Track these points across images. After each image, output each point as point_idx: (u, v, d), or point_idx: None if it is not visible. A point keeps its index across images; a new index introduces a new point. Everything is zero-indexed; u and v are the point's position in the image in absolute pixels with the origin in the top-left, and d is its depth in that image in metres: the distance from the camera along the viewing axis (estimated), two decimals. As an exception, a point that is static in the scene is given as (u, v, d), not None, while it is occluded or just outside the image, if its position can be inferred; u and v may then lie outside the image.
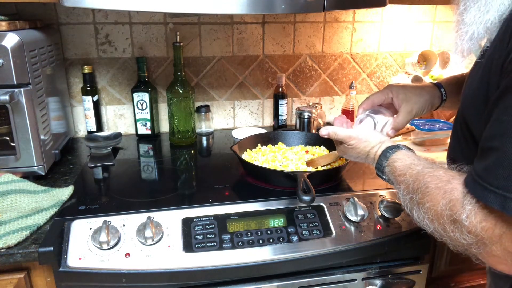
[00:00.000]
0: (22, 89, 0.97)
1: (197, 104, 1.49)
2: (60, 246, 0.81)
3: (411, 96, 0.89)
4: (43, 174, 1.06)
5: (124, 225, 0.85)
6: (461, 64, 1.53)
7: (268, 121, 1.62)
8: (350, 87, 1.54)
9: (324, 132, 0.89)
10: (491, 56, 0.56)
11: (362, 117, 0.93)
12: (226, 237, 0.86)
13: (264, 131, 1.45)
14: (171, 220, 0.88)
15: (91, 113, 1.37)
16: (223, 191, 1.01)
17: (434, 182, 0.60)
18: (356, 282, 0.94)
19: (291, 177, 0.97)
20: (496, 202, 0.50)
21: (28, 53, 0.99)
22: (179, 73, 1.31)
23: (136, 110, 1.38)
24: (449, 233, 0.57)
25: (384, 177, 0.77)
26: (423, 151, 1.26)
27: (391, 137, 0.89)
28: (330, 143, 1.20)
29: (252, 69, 1.53)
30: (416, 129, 1.24)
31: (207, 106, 1.47)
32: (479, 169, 0.53)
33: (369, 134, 0.85)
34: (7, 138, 1.03)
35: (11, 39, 0.94)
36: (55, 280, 0.81)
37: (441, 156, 1.19)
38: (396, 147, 0.76)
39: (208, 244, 0.84)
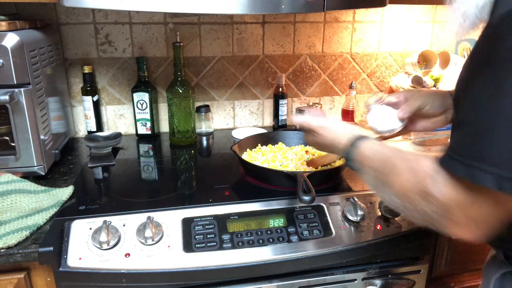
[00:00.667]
0: (22, 89, 0.97)
1: (197, 104, 1.49)
2: (60, 246, 0.81)
3: (420, 92, 0.92)
4: (43, 174, 1.06)
5: (124, 225, 0.85)
6: (461, 65, 1.53)
7: (268, 121, 1.62)
8: (350, 87, 1.54)
9: (297, 120, 0.91)
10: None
11: (371, 107, 0.94)
12: (226, 237, 0.86)
13: (264, 131, 1.45)
14: (171, 220, 0.88)
15: (91, 113, 1.37)
16: (223, 191, 1.01)
17: (403, 162, 0.63)
18: (356, 282, 0.94)
19: (291, 177, 0.97)
20: (462, 171, 0.52)
21: (28, 53, 0.99)
22: (179, 73, 1.31)
23: (136, 110, 1.38)
24: (417, 207, 0.59)
25: (353, 165, 0.78)
26: (423, 151, 1.26)
27: (399, 128, 0.91)
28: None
29: (252, 69, 1.53)
30: (416, 129, 1.24)
31: (207, 106, 1.47)
32: (451, 143, 0.56)
33: (339, 125, 0.86)
34: (7, 138, 1.03)
35: (11, 39, 0.94)
36: (55, 280, 0.81)
37: (441, 156, 1.19)
38: (365, 137, 0.78)
39: (208, 244, 0.85)
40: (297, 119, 0.91)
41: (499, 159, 0.49)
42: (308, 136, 0.91)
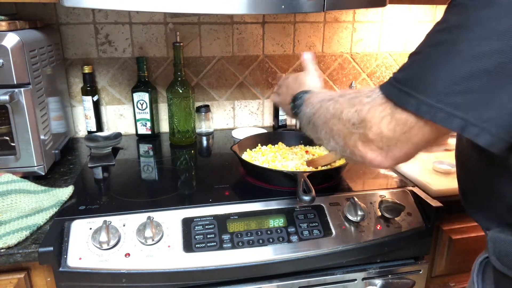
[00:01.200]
0: (22, 89, 0.97)
1: (197, 104, 1.49)
2: (60, 246, 0.81)
3: None
4: (43, 174, 1.06)
5: (124, 225, 0.85)
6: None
7: (268, 121, 1.62)
8: (350, 87, 1.53)
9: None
10: None
11: None
12: (226, 237, 0.86)
13: (264, 131, 1.45)
14: (171, 220, 0.88)
15: (91, 113, 1.38)
16: (223, 191, 1.01)
17: (344, 96, 0.67)
18: (356, 282, 0.94)
19: (291, 177, 0.97)
20: (393, 93, 0.57)
21: (28, 53, 0.99)
22: (179, 73, 1.31)
23: (136, 110, 1.38)
24: (343, 116, 0.63)
25: (297, 111, 0.82)
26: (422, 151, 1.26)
27: None
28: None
29: (252, 69, 1.53)
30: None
31: (207, 106, 1.47)
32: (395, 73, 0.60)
33: (297, 80, 0.92)
34: (7, 138, 1.03)
35: (11, 39, 0.94)
36: (55, 280, 0.81)
37: (441, 156, 1.19)
38: (311, 91, 0.82)
39: (208, 244, 0.85)
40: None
41: (430, 88, 0.52)
42: (273, 94, 1.01)
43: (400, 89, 0.55)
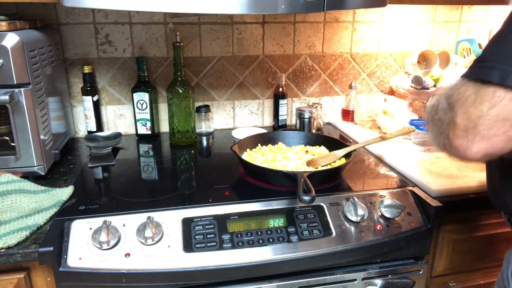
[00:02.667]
0: (22, 89, 0.97)
1: (197, 104, 1.49)
2: (60, 246, 0.81)
3: None
4: (43, 174, 1.06)
5: (124, 225, 0.85)
6: (461, 64, 1.53)
7: (268, 121, 1.62)
8: (350, 87, 1.54)
9: None
10: None
11: None
12: (226, 237, 0.86)
13: (264, 131, 1.45)
14: (171, 220, 0.88)
15: (91, 113, 1.38)
16: (223, 191, 1.01)
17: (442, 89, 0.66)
18: (356, 282, 0.94)
19: (291, 177, 0.97)
20: (473, 72, 0.56)
21: (28, 53, 0.99)
22: (179, 73, 1.31)
23: (136, 110, 1.38)
24: (439, 106, 0.62)
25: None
26: (423, 151, 1.26)
27: None
28: (330, 143, 1.21)
29: (252, 69, 1.53)
30: (416, 129, 1.24)
31: (207, 106, 1.47)
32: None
33: None
34: (7, 138, 1.03)
35: (11, 39, 0.94)
36: (55, 280, 0.81)
37: (441, 156, 1.19)
38: None
39: (208, 244, 0.85)
40: None
41: (509, 57, 0.52)
42: None
43: (481, 65, 0.55)
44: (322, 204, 0.95)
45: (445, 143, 0.60)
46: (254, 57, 1.51)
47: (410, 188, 1.03)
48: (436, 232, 1.04)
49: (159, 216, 0.87)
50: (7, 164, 1.03)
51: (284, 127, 1.53)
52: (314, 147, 1.22)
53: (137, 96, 1.37)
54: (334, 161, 1.09)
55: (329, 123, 1.63)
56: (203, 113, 1.45)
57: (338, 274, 0.93)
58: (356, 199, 0.93)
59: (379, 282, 0.95)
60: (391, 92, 1.64)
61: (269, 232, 0.88)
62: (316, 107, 1.48)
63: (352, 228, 0.92)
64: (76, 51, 1.37)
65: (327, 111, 1.65)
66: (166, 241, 0.84)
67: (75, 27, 1.34)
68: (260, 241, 0.87)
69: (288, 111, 1.60)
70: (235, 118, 1.58)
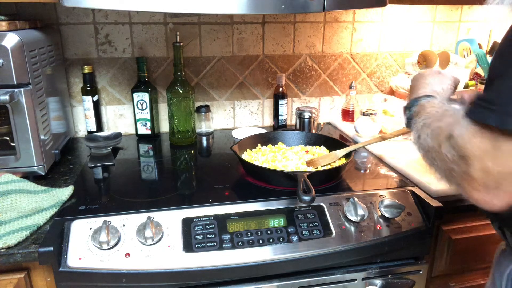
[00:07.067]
0: (22, 89, 0.97)
1: (197, 104, 1.49)
2: (60, 246, 0.81)
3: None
4: (43, 174, 1.06)
5: (124, 225, 0.85)
6: (461, 65, 1.53)
7: (268, 121, 1.62)
8: (350, 87, 1.53)
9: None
10: None
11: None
12: (226, 237, 0.86)
13: (264, 131, 1.45)
14: (171, 220, 0.88)
15: (91, 113, 1.37)
16: (223, 191, 1.01)
17: (449, 111, 0.63)
18: (356, 282, 0.94)
19: (291, 177, 0.97)
20: (490, 117, 0.50)
21: (28, 53, 0.99)
22: (179, 73, 1.31)
23: (136, 110, 1.38)
24: (442, 150, 0.57)
25: (410, 113, 0.76)
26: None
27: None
28: (330, 143, 1.21)
29: (252, 69, 1.53)
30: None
31: (207, 106, 1.47)
32: (480, 96, 0.55)
33: (426, 80, 0.82)
34: (7, 138, 1.03)
35: (11, 39, 0.94)
36: (55, 280, 0.81)
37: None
38: (432, 97, 0.74)
39: (208, 244, 0.85)
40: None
41: None
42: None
43: (496, 110, 0.49)
44: (322, 204, 0.95)
45: (459, 190, 0.56)
46: (254, 57, 1.51)
47: (410, 188, 1.03)
48: (436, 232, 1.04)
49: (159, 216, 0.87)
50: (7, 164, 1.03)
51: (284, 127, 1.53)
52: (314, 147, 1.22)
53: (137, 96, 1.37)
54: (334, 161, 1.09)
55: (329, 123, 1.63)
56: (203, 113, 1.45)
57: (338, 274, 0.93)
58: (356, 199, 0.93)
59: (379, 282, 0.95)
60: (391, 92, 1.64)
61: (269, 232, 0.88)
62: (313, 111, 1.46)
63: (352, 228, 0.92)
64: (76, 51, 1.37)
65: (328, 111, 1.65)
66: (166, 241, 0.84)
67: (75, 27, 1.34)
68: (260, 241, 0.87)
69: (288, 111, 1.60)
70: (235, 118, 1.58)
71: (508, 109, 0.48)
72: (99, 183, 1.10)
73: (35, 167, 1.04)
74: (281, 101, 1.50)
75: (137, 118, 1.40)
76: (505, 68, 0.52)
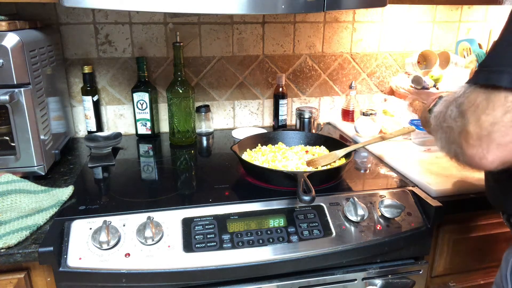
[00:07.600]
0: (22, 89, 0.97)
1: (197, 104, 1.49)
2: (60, 246, 0.81)
3: None
4: (43, 174, 1.06)
5: (124, 225, 0.85)
6: (461, 64, 1.53)
7: (268, 121, 1.62)
8: (350, 87, 1.53)
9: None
10: None
11: None
12: (226, 237, 0.86)
13: (264, 131, 1.45)
14: (171, 220, 0.88)
15: (91, 113, 1.38)
16: (223, 191, 1.01)
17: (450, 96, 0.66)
18: (356, 282, 0.94)
19: (291, 177, 0.97)
20: (482, 77, 0.56)
21: (28, 53, 0.99)
22: (179, 73, 1.31)
23: (136, 110, 1.38)
24: (447, 111, 0.61)
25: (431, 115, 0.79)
26: (423, 151, 1.26)
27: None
28: (330, 143, 1.21)
29: (252, 69, 1.53)
30: (416, 129, 1.24)
31: (207, 106, 1.47)
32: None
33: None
34: (7, 138, 1.03)
35: (11, 39, 0.94)
36: (55, 280, 0.81)
37: (441, 156, 1.19)
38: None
39: (208, 244, 0.85)
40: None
41: None
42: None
43: (489, 70, 0.54)
44: (322, 204, 0.95)
45: (457, 152, 0.59)
46: (254, 57, 1.51)
47: (410, 188, 1.03)
48: (436, 232, 1.04)
49: (159, 216, 0.88)
50: (7, 164, 1.03)
51: (284, 127, 1.53)
52: (314, 147, 1.22)
53: (137, 96, 1.37)
54: (334, 161, 1.09)
55: (329, 123, 1.63)
56: (203, 113, 1.45)
57: (338, 274, 0.93)
58: (356, 199, 0.93)
59: (379, 282, 0.95)
60: (391, 92, 1.64)
61: (269, 232, 0.88)
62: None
63: (352, 228, 0.92)
64: (76, 51, 1.37)
65: (328, 111, 1.65)
66: (166, 241, 0.84)
67: (75, 27, 1.34)
68: (260, 241, 0.87)
69: (288, 111, 1.60)
70: (235, 118, 1.58)
71: (493, 69, 0.54)
72: (99, 183, 1.10)
73: (35, 167, 1.05)
74: (281, 101, 1.50)
75: (137, 118, 1.40)
76: (499, 36, 0.57)
